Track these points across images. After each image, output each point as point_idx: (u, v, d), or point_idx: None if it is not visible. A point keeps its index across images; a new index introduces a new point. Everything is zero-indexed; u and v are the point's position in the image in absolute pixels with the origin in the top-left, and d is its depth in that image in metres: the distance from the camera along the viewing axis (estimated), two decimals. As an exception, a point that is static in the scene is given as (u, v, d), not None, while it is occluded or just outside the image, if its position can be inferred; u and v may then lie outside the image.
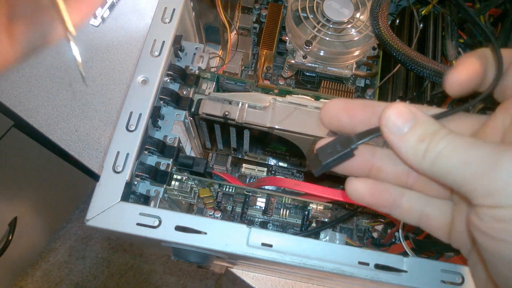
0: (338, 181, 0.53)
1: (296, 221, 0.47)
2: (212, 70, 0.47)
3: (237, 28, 0.54)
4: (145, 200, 0.37)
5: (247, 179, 0.54)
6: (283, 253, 0.31)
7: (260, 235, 0.32)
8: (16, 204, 0.99)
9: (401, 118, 0.20)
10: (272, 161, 0.52)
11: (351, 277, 0.31)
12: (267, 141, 0.43)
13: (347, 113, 0.24)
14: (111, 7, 0.71)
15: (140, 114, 0.36)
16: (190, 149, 0.53)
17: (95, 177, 0.46)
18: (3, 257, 0.90)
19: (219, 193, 0.49)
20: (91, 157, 0.63)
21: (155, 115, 0.38)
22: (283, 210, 0.47)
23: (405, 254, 0.36)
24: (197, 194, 0.45)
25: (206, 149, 0.51)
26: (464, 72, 0.22)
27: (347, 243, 0.44)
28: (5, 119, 0.78)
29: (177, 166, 0.41)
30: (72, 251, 1.34)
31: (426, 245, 0.38)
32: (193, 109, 0.40)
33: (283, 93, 0.40)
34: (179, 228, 0.31)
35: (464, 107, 0.24)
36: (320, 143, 0.24)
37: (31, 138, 0.88)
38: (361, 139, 0.22)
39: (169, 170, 0.39)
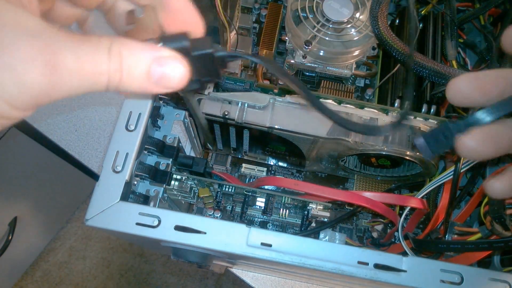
0: (338, 181, 0.53)
1: (296, 221, 0.47)
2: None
3: (236, 28, 0.54)
4: (144, 200, 0.37)
5: (247, 179, 0.54)
6: (283, 253, 0.31)
7: (259, 235, 0.32)
8: (16, 204, 0.99)
9: None
10: (272, 161, 0.52)
11: (351, 277, 0.31)
12: (266, 141, 0.43)
13: (480, 91, 0.22)
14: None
15: (140, 114, 0.36)
16: (190, 149, 0.53)
17: (95, 177, 0.46)
18: (3, 257, 0.90)
19: (219, 193, 0.49)
20: (91, 157, 0.63)
21: (155, 115, 0.38)
22: (283, 210, 0.47)
23: (404, 253, 0.36)
24: (196, 194, 0.45)
25: (206, 149, 0.51)
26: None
27: (346, 243, 0.44)
28: (5, 119, 0.78)
29: (176, 166, 0.41)
30: (72, 251, 1.34)
31: (426, 244, 0.38)
32: (193, 109, 0.40)
33: (283, 93, 0.40)
34: (178, 228, 0.31)
35: None
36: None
37: (31, 138, 0.88)
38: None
39: (168, 170, 0.39)
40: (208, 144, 0.49)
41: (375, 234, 0.50)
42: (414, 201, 0.39)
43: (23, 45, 0.17)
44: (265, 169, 0.53)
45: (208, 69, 0.22)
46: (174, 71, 0.20)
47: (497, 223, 0.33)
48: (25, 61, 0.17)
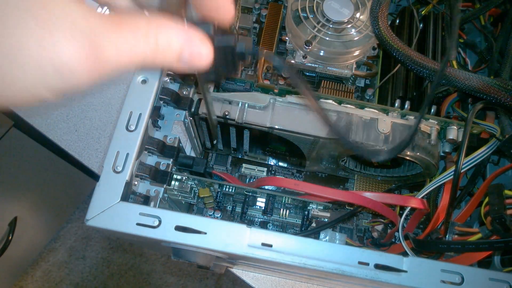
0: (339, 181, 0.53)
1: (296, 221, 0.47)
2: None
3: (237, 28, 0.54)
4: (145, 200, 0.37)
5: (247, 179, 0.54)
6: (283, 253, 0.31)
7: (260, 235, 0.32)
8: (16, 204, 0.99)
9: None
10: (272, 161, 0.52)
11: (351, 277, 0.31)
12: (267, 141, 0.43)
13: None
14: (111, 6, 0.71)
15: (140, 114, 0.36)
16: (190, 149, 0.53)
17: (95, 177, 0.46)
18: (3, 257, 0.90)
19: (219, 193, 0.49)
20: (91, 157, 0.63)
21: (155, 115, 0.38)
22: (283, 210, 0.47)
23: (405, 254, 0.36)
24: (197, 194, 0.45)
25: (206, 149, 0.51)
26: None
27: (347, 243, 0.44)
28: (5, 119, 0.78)
29: (177, 166, 0.41)
30: (72, 251, 1.34)
31: (426, 245, 0.38)
32: (193, 109, 0.40)
33: (283, 93, 0.40)
34: (179, 228, 0.31)
35: None
36: None
37: (31, 138, 0.88)
38: None
39: (169, 170, 0.39)
40: (207, 143, 0.48)
41: (375, 234, 0.50)
42: (415, 201, 0.39)
43: (70, 43, 0.18)
44: (265, 169, 0.53)
45: (227, 61, 0.24)
46: (201, 53, 0.22)
47: (498, 224, 0.33)
48: (70, 56, 0.18)
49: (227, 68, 0.25)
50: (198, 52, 0.22)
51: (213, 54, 0.22)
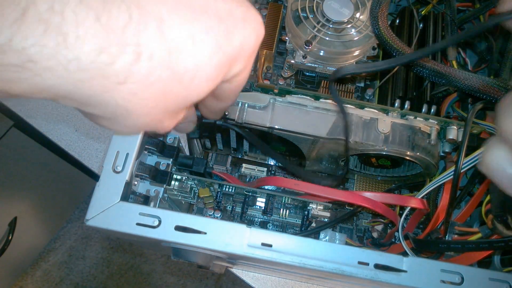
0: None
1: (296, 221, 0.47)
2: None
3: (237, 28, 0.54)
4: (145, 200, 0.37)
5: (247, 179, 0.54)
6: (283, 253, 0.31)
7: (260, 235, 0.32)
8: (16, 204, 0.99)
9: None
10: (272, 161, 0.52)
11: (351, 277, 0.31)
12: (267, 141, 0.43)
13: None
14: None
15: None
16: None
17: (95, 177, 0.45)
18: (3, 257, 0.90)
19: (219, 193, 0.49)
20: (91, 157, 0.63)
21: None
22: (283, 210, 0.47)
23: (404, 254, 0.36)
24: (196, 194, 0.45)
25: (206, 149, 0.51)
26: None
27: (347, 243, 0.44)
28: (5, 119, 0.78)
29: (177, 166, 0.41)
30: (72, 251, 1.34)
31: (426, 244, 0.38)
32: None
33: (283, 93, 0.40)
34: (179, 228, 0.31)
35: None
36: None
37: (31, 138, 0.88)
38: None
39: (169, 170, 0.39)
40: (207, 143, 0.49)
41: (375, 234, 0.50)
42: (415, 201, 0.39)
43: None
44: (265, 169, 0.53)
45: (208, 131, 0.41)
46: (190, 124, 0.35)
47: (499, 222, 0.33)
48: None
49: (208, 135, 0.44)
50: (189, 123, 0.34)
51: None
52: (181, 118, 0.25)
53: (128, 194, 0.35)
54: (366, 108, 0.40)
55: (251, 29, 0.23)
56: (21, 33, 0.16)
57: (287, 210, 0.47)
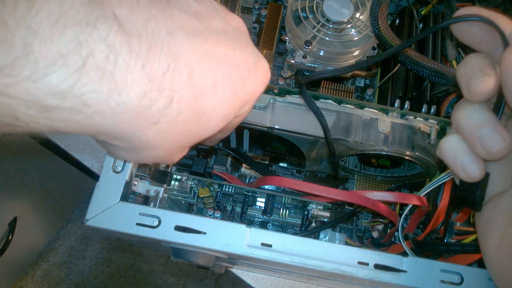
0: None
1: (296, 221, 0.47)
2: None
3: (237, 28, 0.54)
4: (144, 200, 0.37)
5: (247, 179, 0.54)
6: (283, 253, 0.31)
7: (259, 235, 0.32)
8: (16, 204, 0.99)
9: None
10: (272, 161, 0.52)
11: (351, 277, 0.31)
12: (266, 141, 0.43)
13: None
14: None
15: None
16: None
17: (95, 177, 0.46)
18: (3, 257, 0.90)
19: (219, 193, 0.49)
20: (91, 157, 0.63)
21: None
22: (283, 210, 0.47)
23: (404, 254, 0.36)
24: (196, 194, 0.45)
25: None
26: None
27: (346, 243, 0.44)
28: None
29: (176, 166, 0.41)
30: (72, 251, 1.34)
31: (426, 246, 0.38)
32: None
33: (283, 93, 0.40)
34: (178, 228, 0.31)
35: None
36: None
37: (31, 138, 0.88)
38: None
39: (168, 170, 0.39)
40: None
41: (375, 234, 0.50)
42: (414, 198, 0.39)
43: None
44: (268, 168, 0.53)
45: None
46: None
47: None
48: None
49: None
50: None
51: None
52: (187, 151, 0.28)
53: (128, 194, 0.35)
54: (366, 108, 0.40)
55: (261, 76, 0.26)
56: (81, 80, 0.17)
57: (287, 210, 0.47)
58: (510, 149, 0.23)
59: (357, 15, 0.45)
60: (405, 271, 0.31)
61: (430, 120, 0.39)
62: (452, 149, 0.25)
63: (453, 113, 0.25)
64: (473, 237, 0.37)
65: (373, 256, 0.31)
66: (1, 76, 0.16)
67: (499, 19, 0.24)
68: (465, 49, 0.51)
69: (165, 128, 0.21)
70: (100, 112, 0.19)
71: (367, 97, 0.52)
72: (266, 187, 0.48)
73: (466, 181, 0.26)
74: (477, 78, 0.23)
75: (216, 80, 0.23)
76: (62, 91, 0.17)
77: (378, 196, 0.40)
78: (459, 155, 0.25)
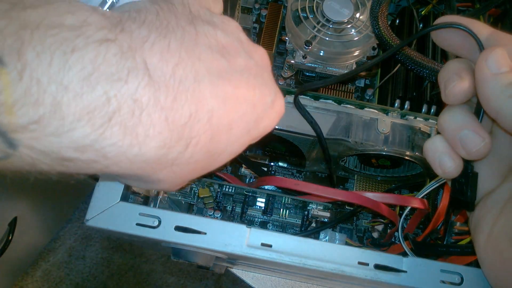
0: (338, 181, 0.53)
1: (296, 221, 0.47)
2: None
3: (237, 28, 0.54)
4: (144, 200, 0.37)
5: (247, 179, 0.54)
6: (283, 253, 0.31)
7: (259, 235, 0.32)
8: (16, 204, 0.99)
9: (503, 60, 0.22)
10: (272, 161, 0.52)
11: (351, 277, 0.31)
12: (266, 141, 0.43)
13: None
14: (111, 7, 0.71)
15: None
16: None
17: (95, 177, 0.45)
18: (3, 257, 0.90)
19: (219, 193, 0.49)
20: (91, 157, 0.62)
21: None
22: (283, 210, 0.47)
23: (404, 254, 0.36)
24: (196, 194, 0.45)
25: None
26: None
27: (347, 243, 0.44)
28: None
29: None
30: (72, 251, 1.34)
31: (425, 248, 0.38)
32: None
33: (283, 93, 0.40)
34: (178, 228, 0.31)
35: None
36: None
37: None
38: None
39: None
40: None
41: (375, 234, 0.50)
42: (415, 201, 0.39)
43: None
44: (265, 169, 0.53)
45: None
46: None
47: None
48: None
49: None
50: None
51: None
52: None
53: (128, 194, 0.35)
54: (366, 108, 0.40)
55: (275, 114, 0.27)
56: (104, 135, 0.17)
57: (287, 210, 0.47)
58: (489, 149, 0.25)
59: (357, 15, 0.45)
60: (405, 271, 0.31)
61: (430, 120, 0.39)
62: (434, 149, 0.27)
63: (438, 117, 0.27)
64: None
65: (373, 256, 0.31)
66: (27, 131, 0.16)
67: (476, 25, 0.25)
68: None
69: (178, 169, 0.22)
70: (118, 163, 0.19)
71: (367, 97, 0.53)
72: (266, 187, 0.48)
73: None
74: (452, 81, 0.25)
75: (233, 120, 0.23)
76: (84, 145, 0.17)
77: (379, 197, 0.40)
78: (438, 154, 0.26)
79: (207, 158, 0.23)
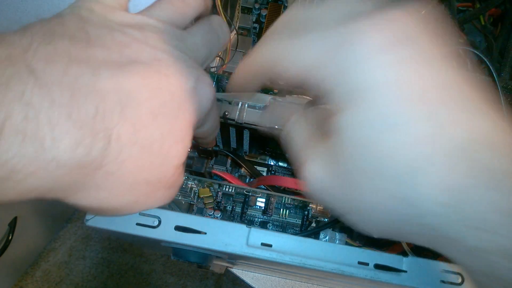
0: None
1: (296, 221, 0.47)
2: (212, 70, 0.47)
3: (236, 28, 0.54)
4: (145, 200, 0.37)
5: (247, 179, 0.54)
6: (283, 253, 0.31)
7: (259, 235, 0.32)
8: (16, 204, 0.99)
9: None
10: (272, 161, 0.52)
11: (351, 277, 0.31)
12: (267, 141, 0.43)
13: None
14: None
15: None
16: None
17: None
18: (3, 257, 0.90)
19: (219, 193, 0.49)
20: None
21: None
22: (283, 210, 0.47)
23: (404, 254, 0.36)
24: (196, 194, 0.45)
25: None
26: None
27: (347, 243, 0.44)
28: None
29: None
30: (72, 251, 1.34)
31: (425, 248, 0.38)
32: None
33: (283, 93, 0.40)
34: (178, 228, 0.31)
35: None
36: None
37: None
38: None
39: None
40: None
41: (375, 234, 0.50)
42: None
43: None
44: (265, 169, 0.53)
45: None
46: None
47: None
48: None
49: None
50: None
51: None
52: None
53: (128, 194, 0.35)
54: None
55: (202, 95, 0.25)
56: (2, 147, 0.16)
57: (287, 210, 0.47)
58: None
59: (357, 15, 0.45)
60: (405, 271, 0.31)
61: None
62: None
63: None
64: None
65: (373, 256, 0.31)
66: None
67: None
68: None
69: (112, 169, 0.20)
70: (32, 175, 0.18)
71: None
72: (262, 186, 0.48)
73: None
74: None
75: (153, 109, 0.22)
76: None
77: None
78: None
79: (143, 150, 0.21)
